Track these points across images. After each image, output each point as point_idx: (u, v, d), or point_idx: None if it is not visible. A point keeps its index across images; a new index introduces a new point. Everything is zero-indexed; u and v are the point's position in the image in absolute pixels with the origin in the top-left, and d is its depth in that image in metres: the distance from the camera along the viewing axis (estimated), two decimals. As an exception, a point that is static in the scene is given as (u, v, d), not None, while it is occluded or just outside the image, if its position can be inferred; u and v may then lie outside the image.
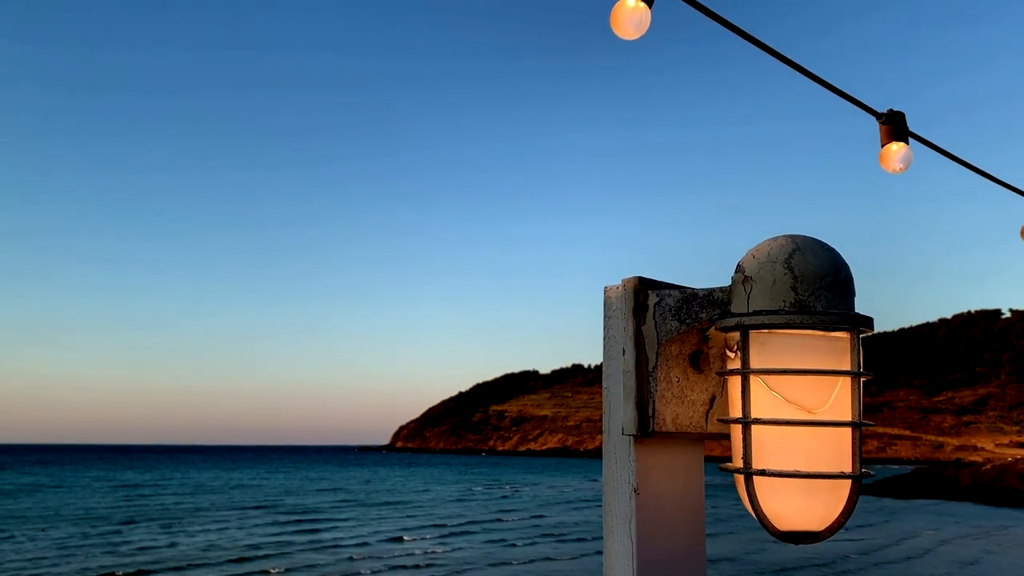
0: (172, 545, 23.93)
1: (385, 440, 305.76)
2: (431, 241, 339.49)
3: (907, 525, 30.38)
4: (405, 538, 26.16)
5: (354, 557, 21.48)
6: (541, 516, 35.11)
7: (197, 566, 19.88)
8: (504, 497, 49.02)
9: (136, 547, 23.44)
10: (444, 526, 30.31)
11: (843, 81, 2.01)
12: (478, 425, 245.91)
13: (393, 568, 19.83)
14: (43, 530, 28.58)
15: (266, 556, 21.37)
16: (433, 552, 22.72)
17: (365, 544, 24.38)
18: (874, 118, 2.14)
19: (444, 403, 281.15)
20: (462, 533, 27.78)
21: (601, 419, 1.05)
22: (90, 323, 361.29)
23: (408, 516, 34.85)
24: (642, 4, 1.61)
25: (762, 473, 0.87)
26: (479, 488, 59.43)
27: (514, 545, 24.59)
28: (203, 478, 70.32)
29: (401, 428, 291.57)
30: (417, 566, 20.13)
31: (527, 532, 28.34)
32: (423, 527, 29.90)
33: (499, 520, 33.14)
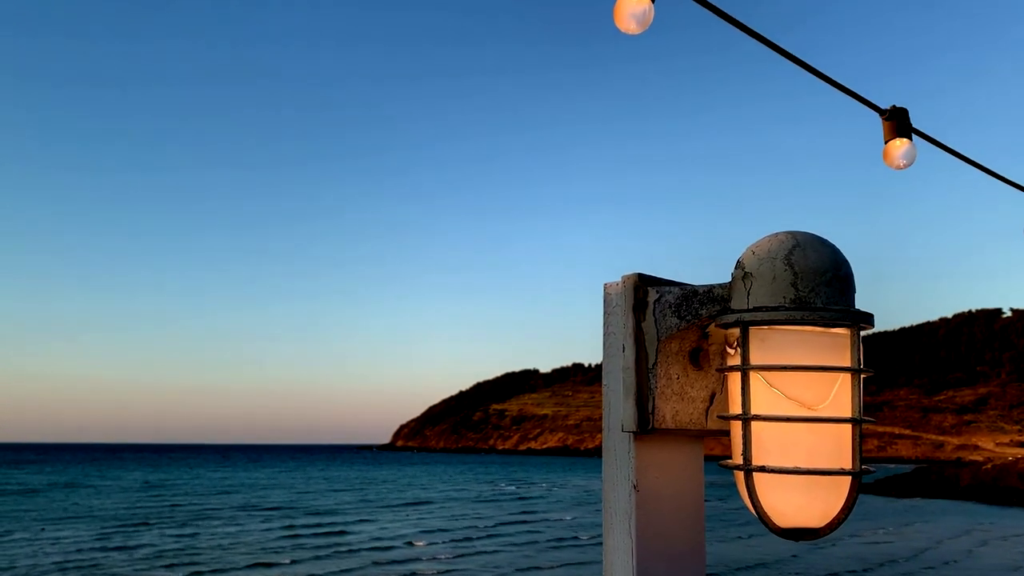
0: (190, 548, 23.34)
1: (386, 439, 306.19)
2: (431, 239, 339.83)
3: (941, 527, 29.71)
4: (430, 541, 25.35)
5: (379, 561, 20.79)
6: (569, 517, 34.32)
7: (219, 571, 19.31)
8: (527, 498, 47.93)
9: (156, 550, 22.83)
10: (472, 528, 29.49)
11: (846, 77, 2.01)
12: (479, 424, 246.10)
13: (418, 573, 19.29)
14: (43, 529, 28.49)
15: (291, 563, 20.56)
16: (460, 556, 22.02)
17: (391, 548, 23.59)
18: (877, 114, 2.14)
19: (445, 402, 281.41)
20: (488, 536, 26.88)
21: (601, 417, 1.05)
22: (88, 322, 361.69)
23: (432, 517, 33.96)
24: (646, -1, 1.60)
25: (762, 470, 0.87)
26: (502, 488, 58.38)
27: (544, 548, 23.78)
28: (213, 478, 69.09)
29: (401, 427, 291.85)
30: (443, 572, 19.52)
31: (556, 534, 27.45)
32: (448, 529, 29.08)
33: (525, 521, 32.28)
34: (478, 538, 26.39)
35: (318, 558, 21.35)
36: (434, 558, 21.69)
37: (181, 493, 48.80)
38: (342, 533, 27.49)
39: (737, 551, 22.19)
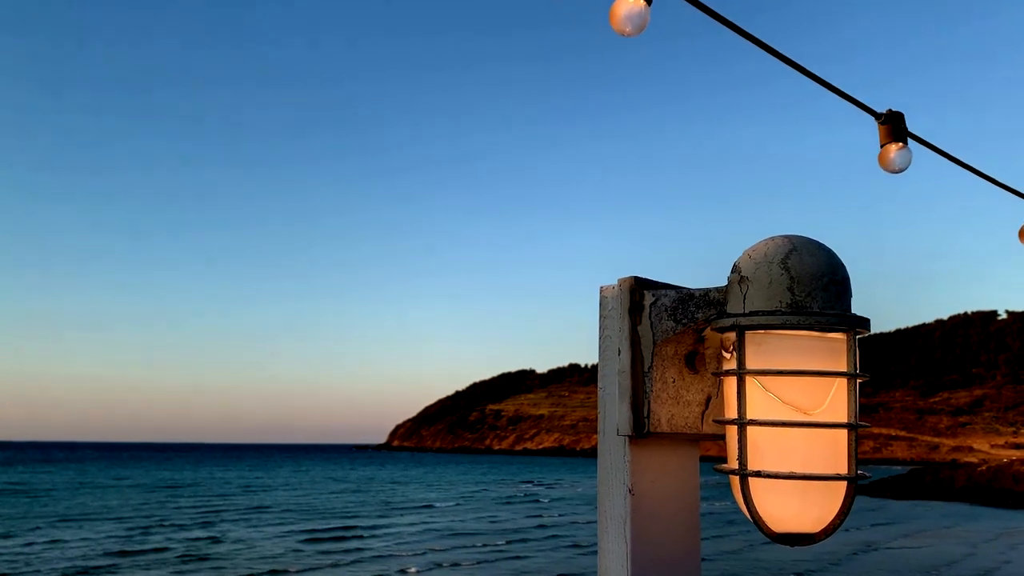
0: (206, 551, 22.61)
1: (381, 439, 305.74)
2: (428, 240, 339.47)
3: (968, 530, 29.09)
4: (452, 546, 24.36)
5: (407, 569, 19.92)
6: (593, 519, 33.07)
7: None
8: (544, 499, 46.92)
9: (173, 553, 22.17)
10: (505, 531, 28.61)
11: (842, 81, 2.01)
12: (475, 424, 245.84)
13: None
14: (37, 528, 28.36)
15: (316, 569, 19.76)
16: (483, 562, 21.14)
17: (422, 553, 22.70)
18: (873, 118, 2.13)
19: (441, 402, 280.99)
20: (512, 541, 25.86)
21: (597, 419, 1.04)
22: (92, 321, 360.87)
23: (449, 520, 33.01)
24: (642, 1, 1.59)
25: (757, 474, 0.87)
26: (517, 489, 57.61)
27: (572, 555, 22.86)
28: (220, 478, 67.61)
29: (397, 427, 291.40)
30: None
31: (582, 538, 26.39)
32: (468, 532, 28.20)
33: (548, 525, 31.31)
34: (504, 543, 25.40)
35: (339, 565, 20.60)
36: (462, 564, 20.86)
37: (190, 494, 48.01)
38: (360, 537, 26.83)
39: (776, 554, 21.50)
